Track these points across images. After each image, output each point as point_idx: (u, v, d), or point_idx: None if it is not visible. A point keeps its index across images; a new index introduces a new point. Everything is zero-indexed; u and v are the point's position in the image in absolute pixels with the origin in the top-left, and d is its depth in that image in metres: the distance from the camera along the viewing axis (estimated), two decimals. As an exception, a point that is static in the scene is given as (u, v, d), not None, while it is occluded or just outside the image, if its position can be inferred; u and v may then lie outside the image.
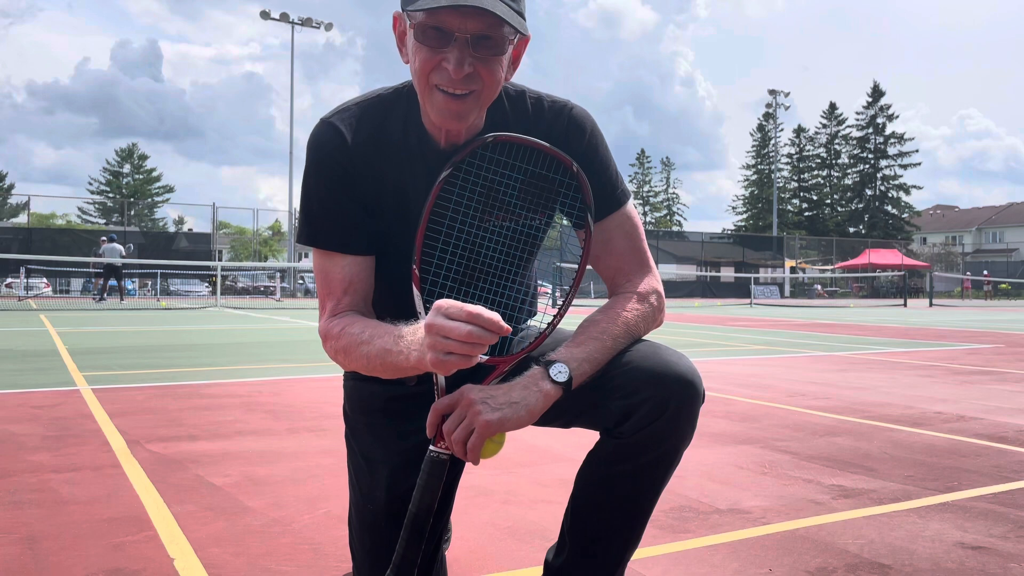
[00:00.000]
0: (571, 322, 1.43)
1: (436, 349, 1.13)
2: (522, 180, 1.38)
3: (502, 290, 1.44)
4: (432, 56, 1.25)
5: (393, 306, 1.44)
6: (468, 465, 1.48)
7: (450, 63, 1.24)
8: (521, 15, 1.28)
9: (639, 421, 1.27)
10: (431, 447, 1.25)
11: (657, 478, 1.35)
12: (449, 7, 1.20)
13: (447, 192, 1.35)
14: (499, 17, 1.22)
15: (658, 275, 1.49)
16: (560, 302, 1.41)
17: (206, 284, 32.82)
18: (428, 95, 1.29)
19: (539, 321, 1.50)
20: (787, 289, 41.04)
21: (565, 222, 1.49)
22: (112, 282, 20.12)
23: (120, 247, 20.05)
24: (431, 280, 1.35)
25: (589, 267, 1.43)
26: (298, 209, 1.43)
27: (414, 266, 1.31)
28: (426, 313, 1.30)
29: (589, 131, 1.45)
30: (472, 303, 1.36)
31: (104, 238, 20.71)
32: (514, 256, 1.44)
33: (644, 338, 1.40)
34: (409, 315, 1.34)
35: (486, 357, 1.29)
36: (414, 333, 1.23)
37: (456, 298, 1.36)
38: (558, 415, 1.29)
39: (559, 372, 1.26)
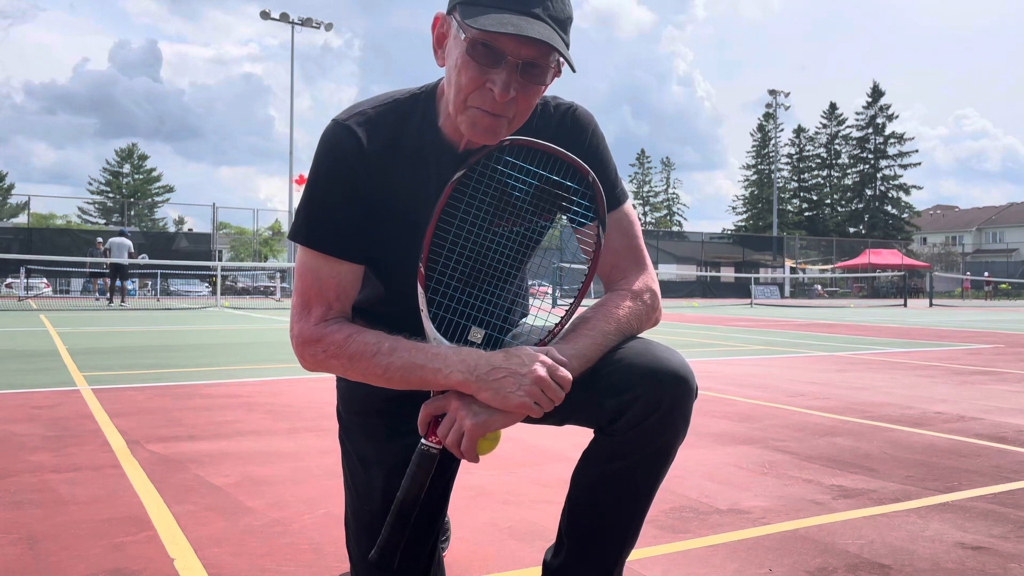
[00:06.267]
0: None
1: (533, 396, 1.24)
2: (536, 186, 1.38)
3: (502, 291, 1.44)
4: (479, 76, 1.25)
5: (395, 309, 1.44)
6: (469, 465, 1.49)
7: (496, 85, 1.24)
8: (568, 46, 1.28)
9: (632, 418, 1.27)
10: (422, 440, 1.29)
11: (652, 475, 1.35)
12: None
13: (459, 193, 1.34)
14: (555, 49, 1.23)
15: (654, 274, 1.49)
16: (560, 303, 1.41)
17: (206, 284, 32.82)
18: (462, 110, 1.29)
19: (531, 319, 1.50)
20: (787, 289, 41.04)
21: (565, 220, 1.49)
22: (116, 283, 18.82)
23: (128, 242, 18.49)
24: (436, 279, 1.35)
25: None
26: (298, 206, 1.43)
27: (420, 264, 1.31)
28: (429, 311, 1.32)
29: (591, 130, 1.46)
30: (474, 304, 1.38)
31: (100, 239, 19.28)
32: (518, 259, 1.44)
33: (638, 336, 1.40)
34: (409, 318, 1.34)
35: None
36: (457, 353, 1.27)
37: (459, 298, 1.37)
38: (551, 413, 1.29)
39: None
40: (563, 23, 1.27)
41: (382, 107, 1.40)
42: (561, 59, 1.27)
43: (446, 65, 1.32)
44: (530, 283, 1.70)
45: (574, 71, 1.31)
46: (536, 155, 1.36)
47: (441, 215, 1.33)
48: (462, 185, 1.34)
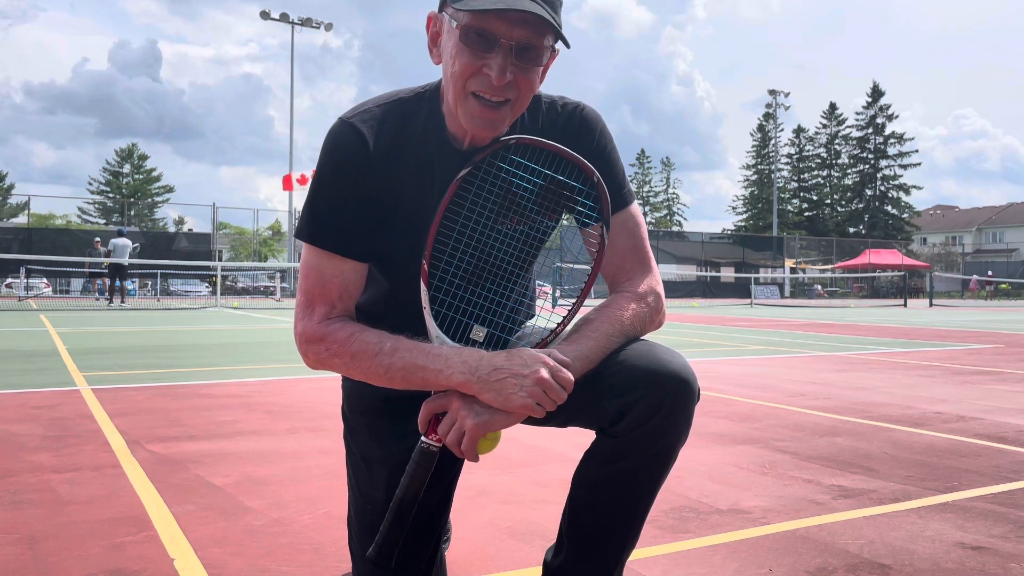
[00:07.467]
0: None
1: (534, 397, 1.24)
2: (541, 185, 1.37)
3: (506, 291, 1.44)
4: (474, 61, 1.25)
5: (399, 308, 1.44)
6: (469, 465, 1.49)
7: (492, 70, 1.24)
8: (560, 27, 1.29)
9: (634, 420, 1.27)
10: (422, 438, 1.29)
11: (654, 477, 1.35)
12: (499, 11, 1.21)
13: (464, 191, 1.34)
14: (548, 24, 1.23)
15: (659, 276, 1.49)
16: (561, 303, 1.41)
17: (206, 284, 32.81)
18: (462, 100, 1.29)
19: (534, 320, 1.50)
20: (787, 289, 41.04)
21: (565, 221, 1.49)
22: (116, 282, 18.78)
23: (129, 243, 18.66)
24: (439, 277, 1.35)
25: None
26: (303, 204, 1.43)
27: (424, 262, 1.32)
28: (431, 308, 1.32)
29: (599, 131, 1.46)
30: (477, 302, 1.37)
31: (99, 239, 19.24)
32: (522, 258, 1.44)
33: (641, 338, 1.40)
34: (412, 317, 1.34)
35: None
36: (458, 353, 1.26)
37: (463, 296, 1.37)
38: (554, 414, 1.29)
39: None
40: (553, 3, 1.27)
41: (387, 105, 1.41)
42: (556, 41, 1.28)
43: (442, 61, 1.33)
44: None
45: (568, 46, 1.32)
46: (541, 154, 1.36)
47: (445, 213, 1.33)
48: (467, 183, 1.34)
